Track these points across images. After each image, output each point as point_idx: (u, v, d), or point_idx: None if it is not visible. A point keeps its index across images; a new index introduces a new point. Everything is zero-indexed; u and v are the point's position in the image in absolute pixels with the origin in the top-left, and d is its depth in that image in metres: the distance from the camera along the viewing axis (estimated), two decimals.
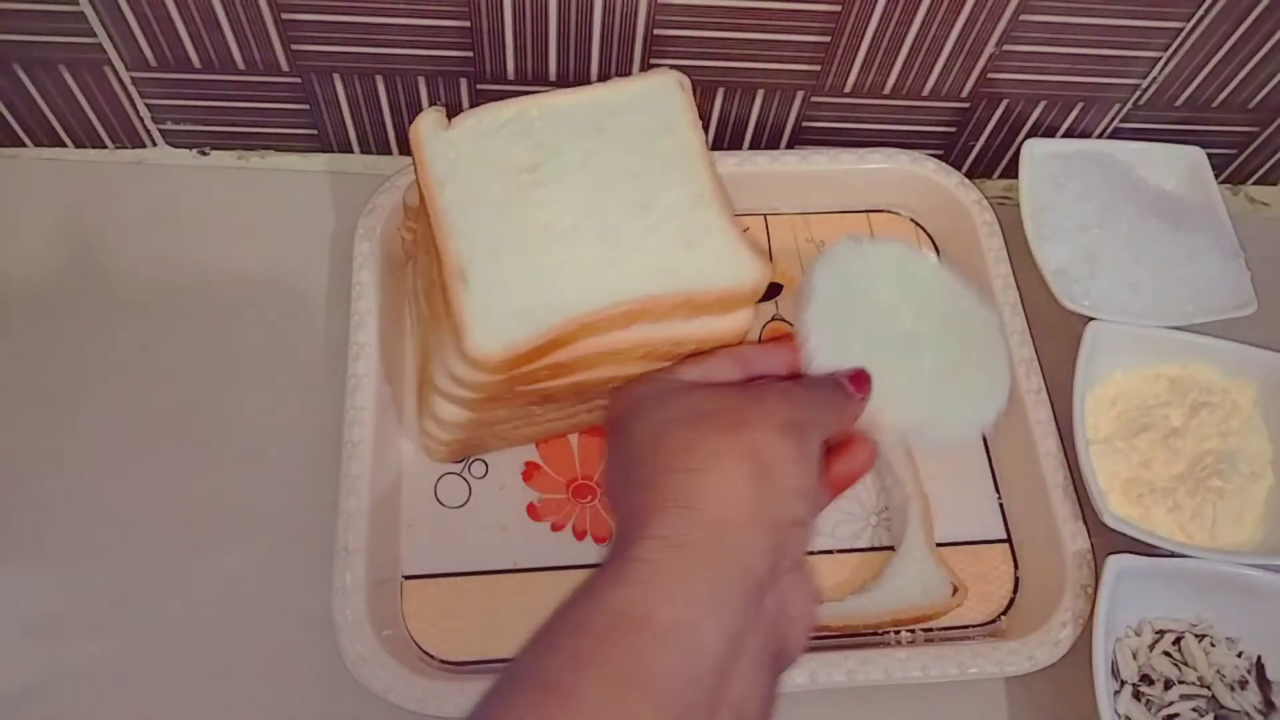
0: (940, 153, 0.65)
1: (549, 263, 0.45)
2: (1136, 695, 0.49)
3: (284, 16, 0.55)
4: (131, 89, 0.59)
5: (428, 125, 0.47)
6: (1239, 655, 0.50)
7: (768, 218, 0.62)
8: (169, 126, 0.62)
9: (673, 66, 0.58)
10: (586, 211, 0.45)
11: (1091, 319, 0.55)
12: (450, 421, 0.48)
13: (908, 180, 0.61)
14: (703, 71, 0.59)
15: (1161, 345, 0.56)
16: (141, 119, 0.61)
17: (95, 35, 0.55)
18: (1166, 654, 0.49)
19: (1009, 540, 0.54)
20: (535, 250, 0.45)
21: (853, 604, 0.50)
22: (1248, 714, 0.48)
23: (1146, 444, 0.54)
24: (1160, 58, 0.60)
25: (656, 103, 0.49)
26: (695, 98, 0.61)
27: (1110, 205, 0.59)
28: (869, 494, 0.55)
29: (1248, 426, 0.55)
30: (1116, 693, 0.48)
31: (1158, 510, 0.52)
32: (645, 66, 0.58)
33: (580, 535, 0.52)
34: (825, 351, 0.45)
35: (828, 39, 0.57)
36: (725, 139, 0.65)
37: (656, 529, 0.35)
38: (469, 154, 0.47)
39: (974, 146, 0.67)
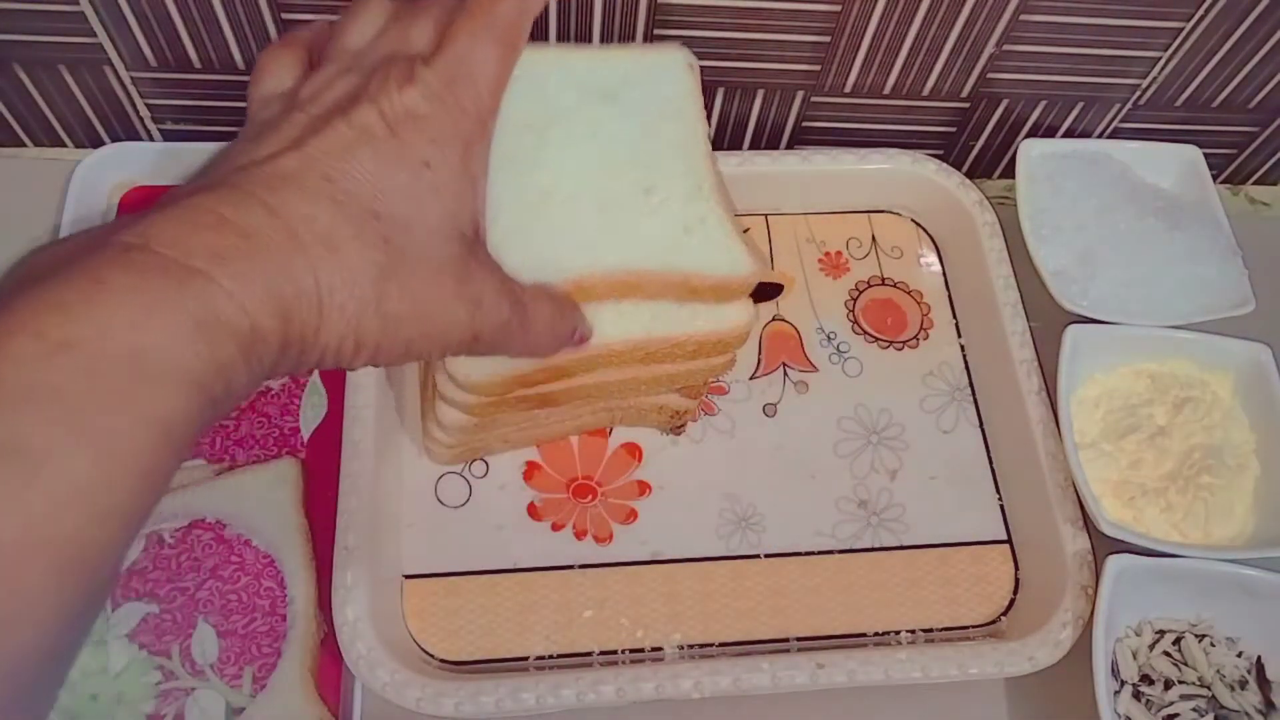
0: (940, 153, 0.65)
1: (546, 227, 0.44)
2: (1136, 695, 0.49)
3: (284, 16, 0.55)
4: (131, 89, 0.59)
5: None
6: (1239, 655, 0.50)
7: (769, 218, 0.62)
8: (169, 126, 0.62)
9: None
10: (588, 183, 0.44)
11: (1089, 320, 0.55)
12: (452, 425, 0.48)
13: (909, 181, 0.61)
14: (703, 71, 0.59)
15: (1138, 343, 0.56)
16: (141, 119, 0.61)
17: (95, 35, 0.55)
18: (1166, 654, 0.49)
19: (1009, 541, 0.54)
20: (534, 213, 0.44)
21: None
22: (1248, 714, 0.48)
23: (1134, 445, 0.54)
24: (1160, 58, 0.60)
25: (670, 80, 0.48)
26: None
27: (1107, 205, 0.59)
28: (870, 493, 0.55)
29: (1230, 418, 0.55)
30: (1116, 693, 0.48)
31: (1151, 511, 0.52)
32: None
33: (580, 535, 0.52)
34: None
35: (828, 39, 0.57)
36: (725, 139, 0.65)
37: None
38: None
39: (974, 146, 0.67)
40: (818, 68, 0.59)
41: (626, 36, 0.56)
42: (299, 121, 0.33)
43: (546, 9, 0.54)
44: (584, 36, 0.56)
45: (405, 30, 0.36)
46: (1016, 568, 0.53)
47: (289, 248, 0.29)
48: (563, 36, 0.56)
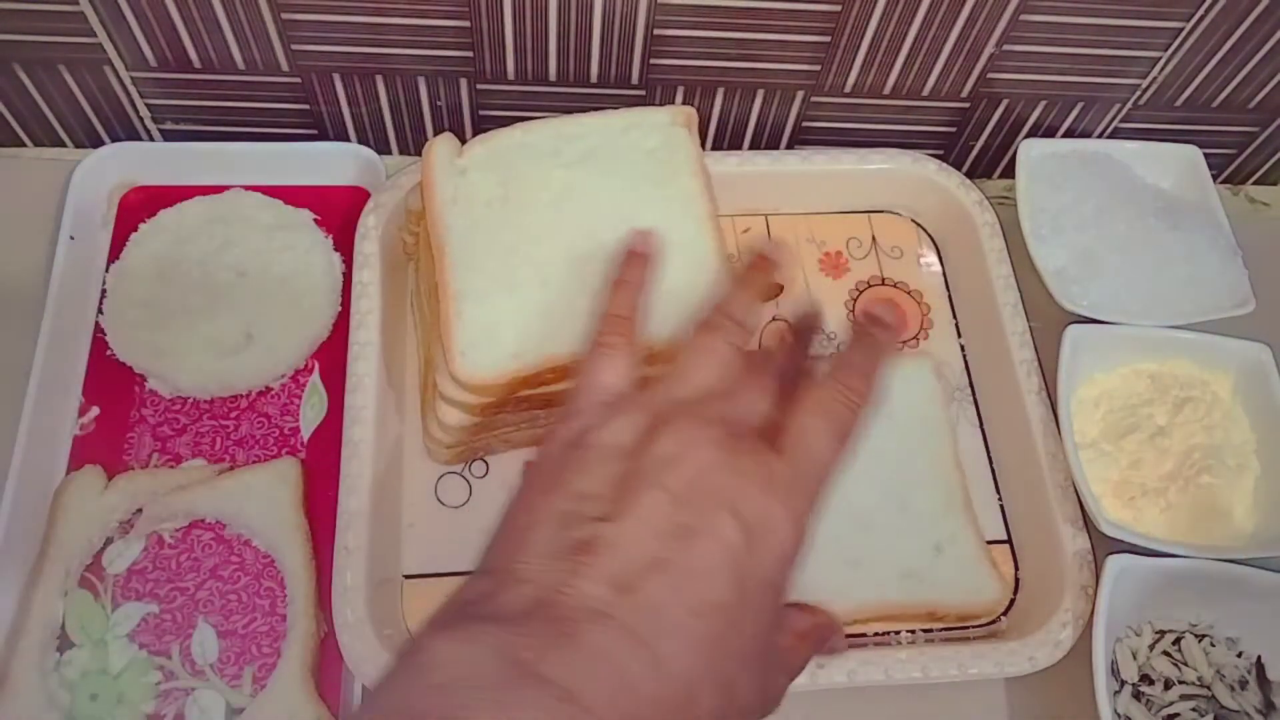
0: (940, 153, 0.65)
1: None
2: (1136, 695, 0.49)
3: (284, 16, 0.55)
4: (131, 89, 0.59)
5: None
6: (1239, 655, 0.50)
7: (769, 218, 0.62)
8: (169, 126, 0.62)
9: (672, 66, 0.58)
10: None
11: (1089, 320, 0.55)
12: (454, 425, 0.48)
13: (909, 181, 0.61)
14: (703, 71, 0.59)
15: (1138, 343, 0.56)
16: (141, 119, 0.61)
17: (95, 35, 0.55)
18: (1166, 654, 0.49)
19: (1009, 541, 0.54)
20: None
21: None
22: (1248, 714, 0.48)
23: (1134, 445, 0.54)
24: (1160, 58, 0.60)
25: (923, 390, 0.51)
26: (695, 98, 0.61)
27: (1107, 205, 0.59)
28: None
29: (1229, 418, 0.55)
30: (1116, 693, 0.48)
31: (1150, 511, 0.53)
32: (645, 66, 0.58)
33: None
34: None
35: (828, 39, 0.57)
36: (725, 139, 0.65)
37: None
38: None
39: (974, 146, 0.67)
40: (818, 68, 0.59)
41: (627, 36, 0.56)
42: (661, 507, 0.31)
43: (547, 9, 0.54)
44: (583, 35, 0.56)
45: (750, 397, 0.35)
46: (1016, 568, 0.53)
47: (673, 707, 0.29)
48: (562, 34, 0.56)
